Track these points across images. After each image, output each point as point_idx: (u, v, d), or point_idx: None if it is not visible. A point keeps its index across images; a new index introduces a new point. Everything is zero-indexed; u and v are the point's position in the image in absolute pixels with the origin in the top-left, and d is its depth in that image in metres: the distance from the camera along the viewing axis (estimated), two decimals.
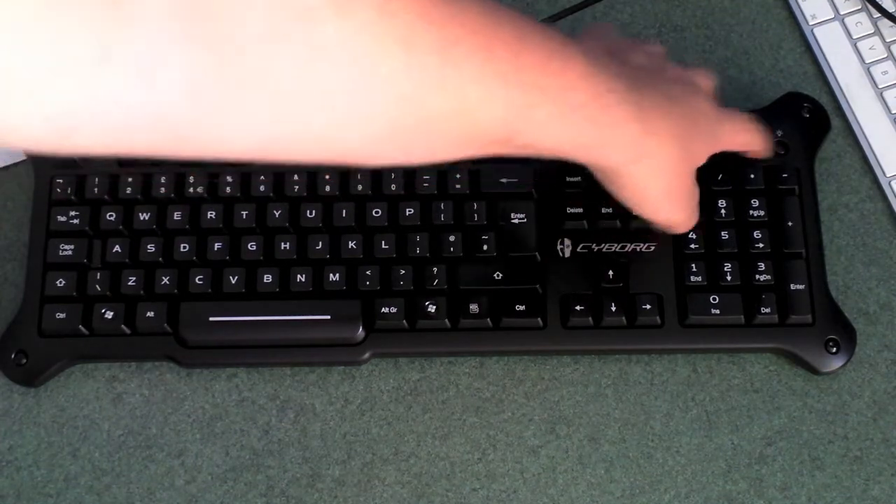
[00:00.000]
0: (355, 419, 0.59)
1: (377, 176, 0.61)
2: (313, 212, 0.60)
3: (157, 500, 0.57)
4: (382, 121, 0.38)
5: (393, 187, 0.60)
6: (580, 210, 0.60)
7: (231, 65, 0.33)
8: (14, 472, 0.58)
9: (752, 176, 0.60)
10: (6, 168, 0.65)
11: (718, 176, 0.60)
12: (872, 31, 0.66)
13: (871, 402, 0.58)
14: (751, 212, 0.59)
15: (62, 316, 0.59)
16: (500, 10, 0.41)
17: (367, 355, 0.58)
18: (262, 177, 0.61)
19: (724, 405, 0.59)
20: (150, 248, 0.60)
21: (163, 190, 0.61)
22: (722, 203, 0.60)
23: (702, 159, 0.53)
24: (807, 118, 0.62)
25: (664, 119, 0.49)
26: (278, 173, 0.61)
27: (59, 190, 0.61)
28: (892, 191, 0.62)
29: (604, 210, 0.59)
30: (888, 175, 0.63)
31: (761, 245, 0.59)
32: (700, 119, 0.52)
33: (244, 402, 0.59)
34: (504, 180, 0.60)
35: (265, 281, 0.59)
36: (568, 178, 0.60)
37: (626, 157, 0.48)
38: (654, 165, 0.49)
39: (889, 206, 0.62)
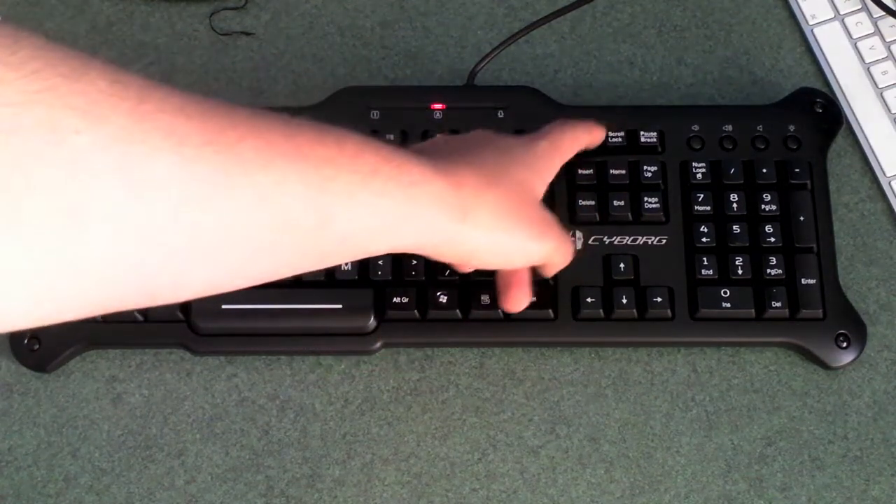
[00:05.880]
0: (355, 419, 0.59)
1: None
2: None
3: (157, 500, 0.57)
4: (174, 230, 0.36)
5: None
6: (592, 202, 0.60)
7: None
8: (14, 472, 0.58)
9: (765, 170, 0.60)
10: None
11: (731, 170, 0.60)
12: (872, 31, 0.66)
13: (871, 402, 0.59)
14: (762, 206, 0.59)
15: None
16: (252, 108, 0.40)
17: (378, 345, 0.58)
18: None
19: (724, 405, 0.59)
20: None
21: None
22: (734, 197, 0.60)
23: (534, 184, 0.51)
24: (819, 113, 0.62)
25: (466, 168, 0.47)
26: None
27: None
28: (892, 191, 0.62)
29: (616, 203, 0.60)
30: (888, 175, 0.63)
31: (773, 239, 0.59)
32: (505, 150, 0.51)
33: (244, 402, 0.59)
34: None
35: None
36: (580, 171, 0.60)
37: (451, 217, 0.46)
38: (483, 215, 0.47)
39: (889, 206, 0.62)
